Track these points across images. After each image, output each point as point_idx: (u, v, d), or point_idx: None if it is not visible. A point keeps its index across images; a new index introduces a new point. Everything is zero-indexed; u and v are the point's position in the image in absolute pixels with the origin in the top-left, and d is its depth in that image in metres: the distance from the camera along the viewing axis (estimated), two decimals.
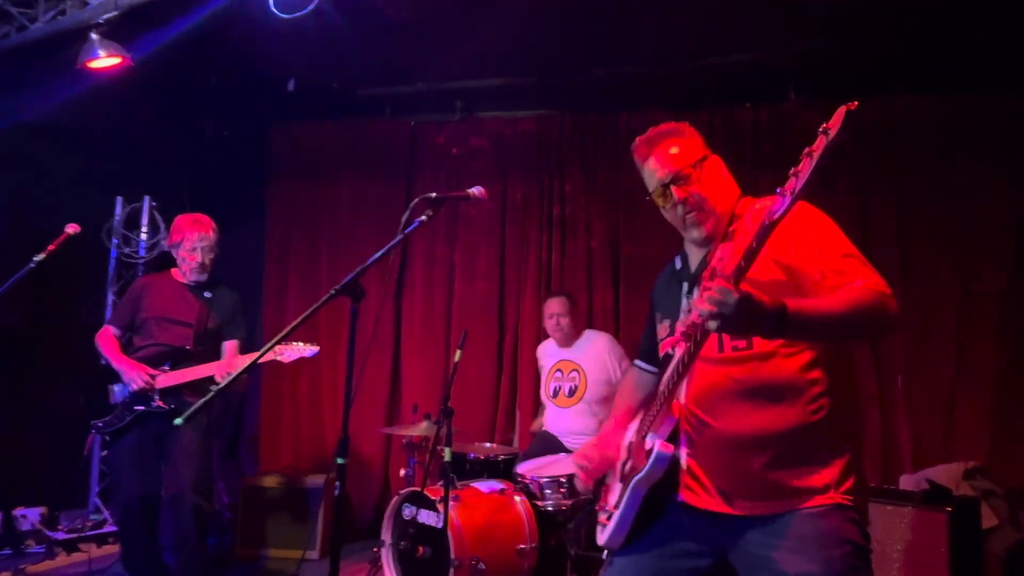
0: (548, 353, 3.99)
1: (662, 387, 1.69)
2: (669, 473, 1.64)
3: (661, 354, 1.82)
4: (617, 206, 4.45)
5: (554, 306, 3.89)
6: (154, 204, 4.87)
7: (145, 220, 4.87)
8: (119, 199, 4.83)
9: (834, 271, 1.54)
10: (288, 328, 1.75)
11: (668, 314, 1.80)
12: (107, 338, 3.38)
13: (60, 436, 4.50)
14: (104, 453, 4.70)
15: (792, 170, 1.35)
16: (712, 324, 1.39)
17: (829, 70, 3.83)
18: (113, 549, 4.07)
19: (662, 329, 1.82)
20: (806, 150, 1.33)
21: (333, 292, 1.82)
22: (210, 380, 3.17)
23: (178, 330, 3.29)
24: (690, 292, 1.73)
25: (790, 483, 1.56)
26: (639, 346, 2.00)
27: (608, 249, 4.46)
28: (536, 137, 4.61)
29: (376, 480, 4.61)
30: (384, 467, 4.66)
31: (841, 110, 1.29)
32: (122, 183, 4.79)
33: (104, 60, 3.47)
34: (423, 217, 1.99)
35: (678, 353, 1.62)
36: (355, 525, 4.50)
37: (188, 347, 3.25)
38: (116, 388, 3.26)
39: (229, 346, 3.40)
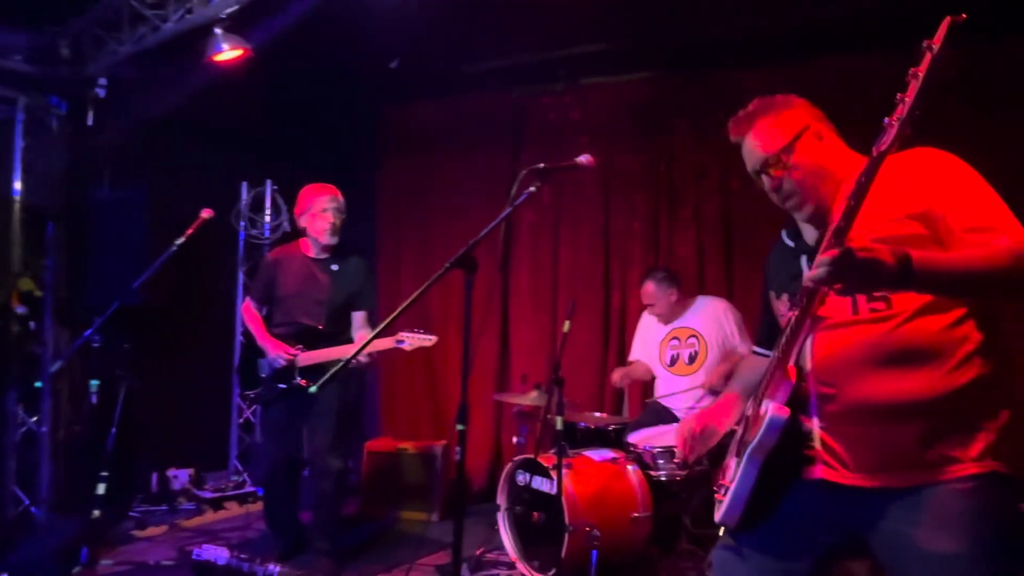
0: (654, 325, 3.90)
1: (776, 351, 1.59)
2: (796, 446, 1.53)
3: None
4: (730, 170, 4.27)
5: (646, 291, 3.79)
6: (275, 188, 5.08)
7: (268, 203, 5.10)
8: (244, 184, 5.06)
9: (974, 223, 1.40)
10: (408, 301, 1.80)
11: (787, 289, 1.69)
12: (251, 314, 3.49)
13: (204, 403, 4.81)
14: (240, 421, 5.09)
15: (898, 96, 1.25)
16: (828, 280, 1.28)
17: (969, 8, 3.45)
18: (253, 507, 4.36)
19: (781, 306, 1.72)
20: (911, 71, 1.22)
21: (447, 266, 1.86)
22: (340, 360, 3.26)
23: (311, 308, 3.35)
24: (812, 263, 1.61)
25: (937, 452, 1.43)
26: (758, 328, 1.90)
27: (720, 216, 4.30)
28: (643, 101, 4.50)
29: (488, 446, 4.72)
30: (495, 434, 4.77)
31: (945, 22, 1.20)
32: (246, 169, 5.00)
33: (228, 53, 3.65)
34: (531, 189, 1.98)
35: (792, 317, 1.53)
36: (469, 489, 4.64)
37: (320, 327, 3.32)
38: (263, 363, 3.40)
39: (358, 317, 3.43)
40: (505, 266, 4.83)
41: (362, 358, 3.10)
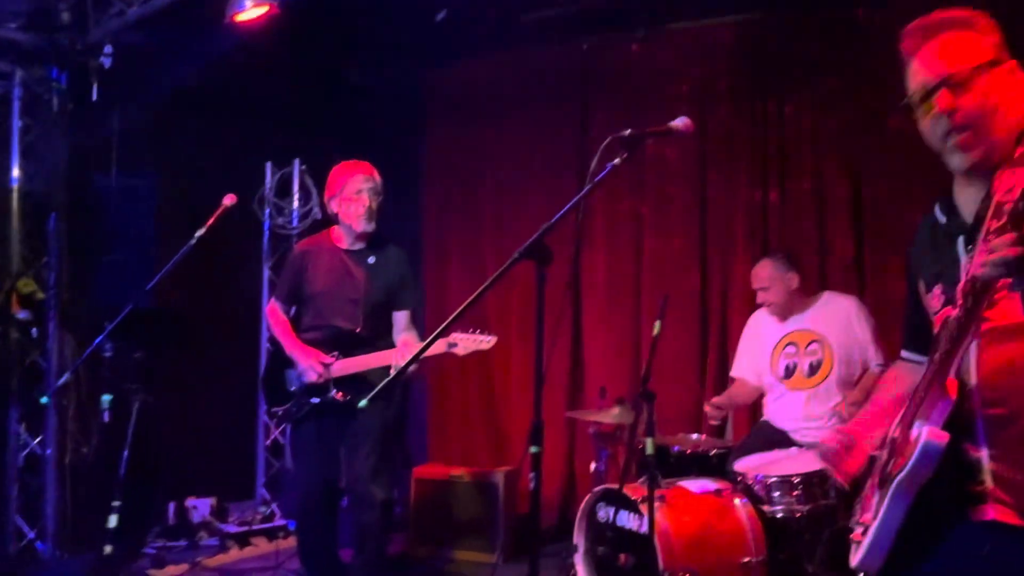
0: (766, 326, 3.84)
1: (931, 362, 1.54)
2: (958, 479, 1.50)
3: (937, 330, 1.65)
4: (855, 131, 4.17)
5: (759, 273, 3.73)
6: (304, 168, 5.22)
7: (296, 186, 5.22)
8: (268, 165, 5.20)
9: None
10: (474, 295, 1.81)
11: (941, 278, 1.65)
12: (277, 316, 3.59)
13: (226, 422, 4.94)
14: (267, 443, 5.23)
15: None
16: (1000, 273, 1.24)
17: None
18: (284, 543, 4.43)
19: (934, 299, 1.67)
20: None
21: (517, 255, 1.85)
22: (382, 369, 3.32)
23: (346, 308, 3.43)
24: (971, 246, 1.55)
25: None
26: (904, 327, 1.84)
27: (845, 187, 4.22)
28: (743, 49, 4.43)
29: (560, 474, 4.74)
30: (567, 459, 4.80)
31: None
32: (271, 149, 5.13)
33: (250, 11, 3.77)
34: (616, 161, 1.97)
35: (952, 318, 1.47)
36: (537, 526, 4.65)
37: (357, 330, 3.40)
38: (292, 375, 3.47)
39: (401, 318, 3.51)
40: (576, 258, 4.81)
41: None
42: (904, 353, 1.84)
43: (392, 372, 3.22)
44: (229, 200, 3.32)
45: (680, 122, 2.06)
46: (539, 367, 1.88)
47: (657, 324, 3.26)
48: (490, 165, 5.11)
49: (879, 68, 3.69)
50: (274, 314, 3.60)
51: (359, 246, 3.51)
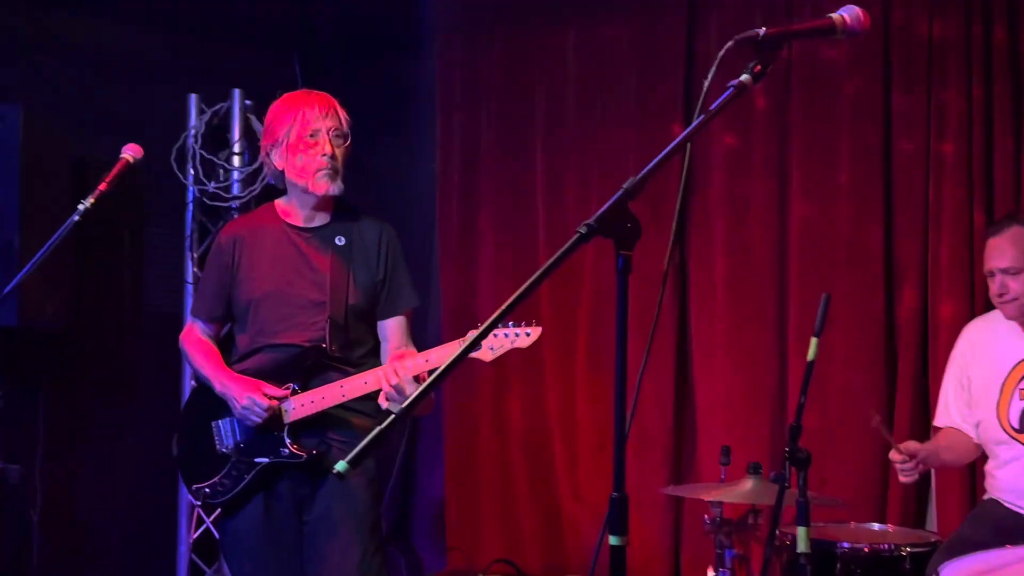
0: (997, 344, 3.88)
1: None
2: None
3: None
4: None
5: (1002, 248, 3.71)
6: (248, 103, 5.25)
7: (237, 131, 5.28)
8: (192, 98, 5.23)
9: None
10: (527, 284, 1.81)
11: None
12: (197, 342, 3.70)
13: (131, 505, 5.01)
14: (196, 535, 5.23)
15: None
16: None
17: None
18: None
19: None
20: None
21: (584, 229, 1.86)
22: (369, 401, 3.40)
23: (304, 317, 3.52)
24: None
25: None
26: None
27: None
28: None
29: None
30: (670, 559, 4.89)
31: None
32: (198, 73, 5.20)
33: None
34: (744, 78, 1.99)
35: None
36: None
37: (323, 345, 3.48)
38: (224, 427, 3.57)
39: (392, 328, 3.62)
40: (679, 238, 4.94)
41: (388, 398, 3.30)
42: None
43: (388, 405, 3.31)
44: (131, 152, 3.35)
45: (848, 13, 2.09)
46: (620, 413, 1.88)
47: (813, 344, 3.25)
48: (541, 102, 5.28)
49: None
50: (190, 338, 3.70)
51: (320, 221, 3.60)
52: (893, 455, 3.79)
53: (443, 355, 3.34)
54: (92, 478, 4.84)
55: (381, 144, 5.05)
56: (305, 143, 3.49)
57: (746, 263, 4.91)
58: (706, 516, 3.90)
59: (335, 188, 3.51)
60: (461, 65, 5.58)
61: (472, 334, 3.28)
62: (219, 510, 3.62)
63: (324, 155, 3.48)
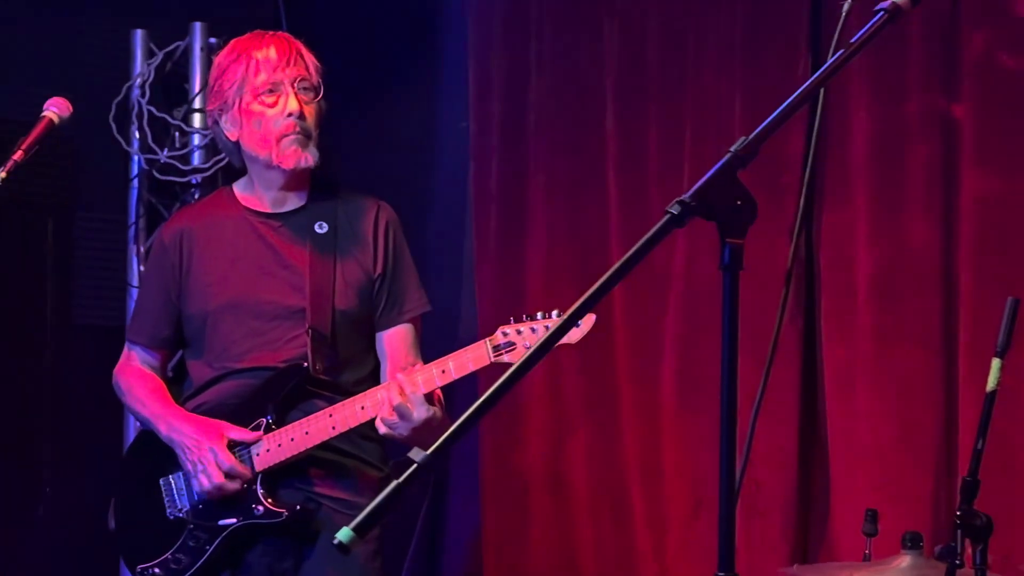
0: None
1: None
2: None
3: None
4: None
5: None
6: (213, 41, 5.32)
7: (197, 81, 5.36)
8: (138, 35, 5.36)
9: None
10: (576, 305, 1.83)
11: None
12: (136, 375, 3.87)
13: None
14: None
15: None
16: None
17: None
18: None
19: None
20: None
21: (675, 209, 1.87)
22: (372, 442, 3.57)
23: (278, 329, 3.70)
24: None
25: None
26: None
27: None
28: None
29: None
30: None
31: None
32: (143, 4, 5.35)
33: None
34: (884, 3, 2.09)
35: None
36: None
37: (305, 365, 3.61)
38: (174, 484, 3.72)
39: (395, 340, 3.78)
40: (807, 220, 4.95)
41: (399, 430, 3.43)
42: None
43: (385, 431, 3.50)
44: (56, 108, 3.43)
45: None
46: (728, 465, 1.92)
47: (995, 367, 3.28)
48: (611, 24, 5.38)
49: None
50: (129, 371, 3.91)
51: (293, 203, 3.79)
52: None
53: (465, 362, 3.47)
54: (17, 554, 4.91)
55: (392, 99, 5.04)
56: (262, 102, 3.62)
57: (899, 258, 4.85)
58: None
59: (308, 158, 3.64)
60: (501, 22, 5.71)
61: (504, 331, 3.37)
62: None
63: (290, 115, 3.60)
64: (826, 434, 4.98)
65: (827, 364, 5.00)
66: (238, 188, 3.78)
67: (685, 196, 1.91)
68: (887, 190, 4.93)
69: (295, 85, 3.62)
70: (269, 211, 3.72)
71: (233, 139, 3.68)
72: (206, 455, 3.50)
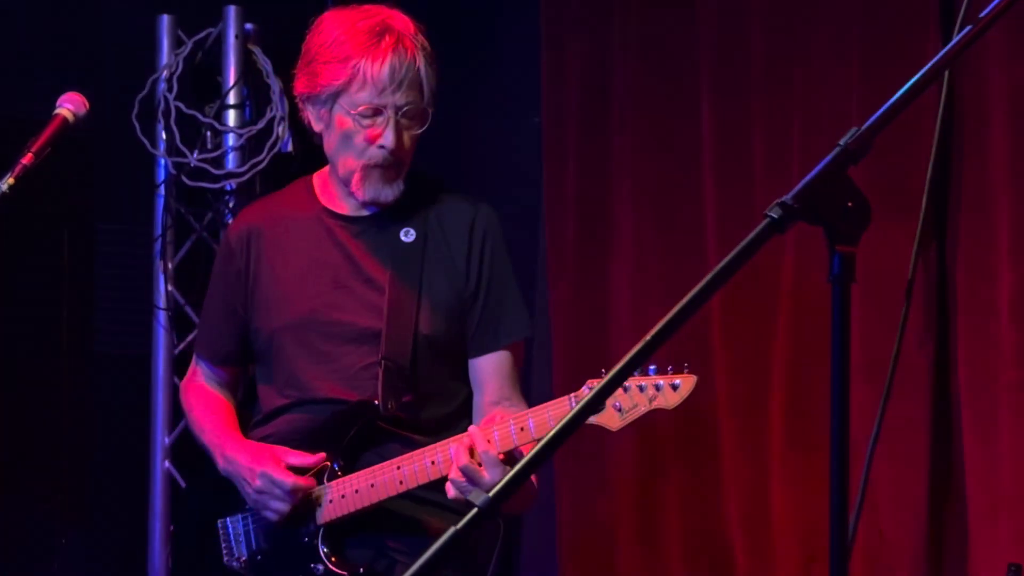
0: None
1: None
2: None
3: None
4: None
5: None
6: (249, 28, 5.46)
7: (232, 72, 5.49)
8: (164, 20, 5.47)
9: None
10: (663, 322, 1.80)
11: None
12: (200, 393, 3.92)
13: None
14: None
15: None
16: None
17: None
18: None
19: None
20: None
21: (776, 212, 1.85)
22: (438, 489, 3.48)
23: (353, 354, 3.71)
24: None
25: None
26: None
27: None
28: None
29: None
30: None
31: None
32: None
33: None
34: None
35: None
36: None
37: (377, 402, 3.62)
38: (231, 528, 3.79)
39: (489, 370, 3.75)
40: (939, 222, 4.98)
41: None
42: None
43: (456, 495, 3.44)
44: (70, 106, 3.41)
45: None
46: (840, 513, 1.89)
47: None
48: (707, 6, 5.47)
49: None
50: (193, 389, 3.95)
51: (374, 209, 3.75)
52: None
53: (546, 420, 3.45)
54: None
55: (454, 91, 5.04)
56: (357, 121, 3.62)
57: None
58: None
59: (388, 195, 3.66)
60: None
61: (591, 386, 3.35)
62: None
63: (383, 147, 3.59)
64: (963, 478, 4.95)
65: (964, 397, 4.94)
66: (318, 181, 3.82)
67: (786, 197, 1.87)
68: None
69: (400, 112, 3.63)
70: (350, 214, 3.76)
71: (317, 131, 3.71)
72: (266, 485, 3.56)
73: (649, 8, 5.67)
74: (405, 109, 3.61)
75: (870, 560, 5.00)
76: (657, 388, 3.36)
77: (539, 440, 3.21)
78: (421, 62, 3.65)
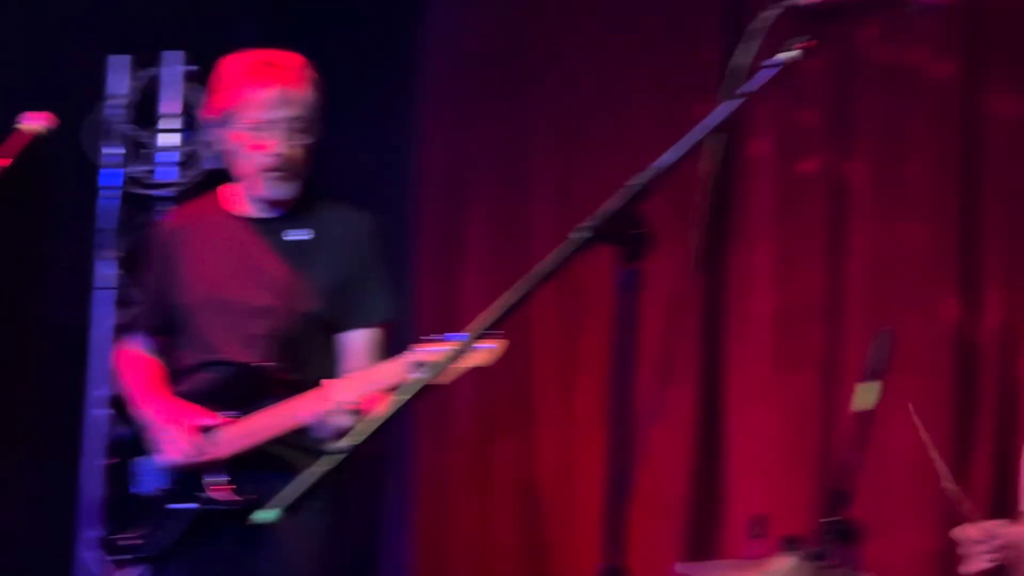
0: None
1: None
2: None
3: None
4: None
5: None
6: (192, 68, 5.36)
7: (171, 103, 5.40)
8: (114, 60, 5.37)
9: None
10: (502, 304, 1.83)
11: None
12: (129, 358, 3.89)
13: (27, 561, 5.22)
14: None
15: None
16: None
17: None
18: None
19: None
20: None
21: (581, 234, 1.88)
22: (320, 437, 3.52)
23: (246, 327, 3.70)
24: None
25: None
26: None
27: None
28: None
29: None
30: None
31: None
32: (123, 34, 5.36)
33: None
34: (790, 54, 2.04)
35: None
36: None
37: (265, 363, 3.63)
38: (147, 467, 3.69)
39: (356, 342, 3.77)
40: (713, 257, 5.01)
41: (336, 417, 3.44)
42: None
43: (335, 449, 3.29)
44: (33, 123, 3.43)
45: None
46: (619, 468, 1.92)
47: (866, 389, 3.44)
48: (548, 89, 5.50)
49: None
50: (129, 359, 3.89)
51: (274, 212, 3.77)
52: (961, 532, 3.77)
53: (384, 375, 3.50)
54: None
55: (357, 134, 5.11)
56: (250, 137, 3.65)
57: (795, 290, 5.06)
58: None
59: (284, 191, 3.68)
60: (454, 34, 5.76)
61: (417, 349, 3.45)
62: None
63: (274, 154, 3.63)
64: (721, 444, 5.14)
65: (730, 382, 5.16)
66: (227, 191, 3.83)
67: (588, 223, 1.89)
68: (785, 233, 5.09)
69: (288, 124, 3.64)
70: (253, 216, 3.76)
71: (227, 145, 3.71)
72: (171, 433, 3.54)
73: (503, 59, 5.70)
74: (292, 122, 3.62)
75: (650, 511, 4.89)
76: (471, 349, 3.28)
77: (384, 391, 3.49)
78: (303, 83, 3.70)
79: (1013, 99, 4.86)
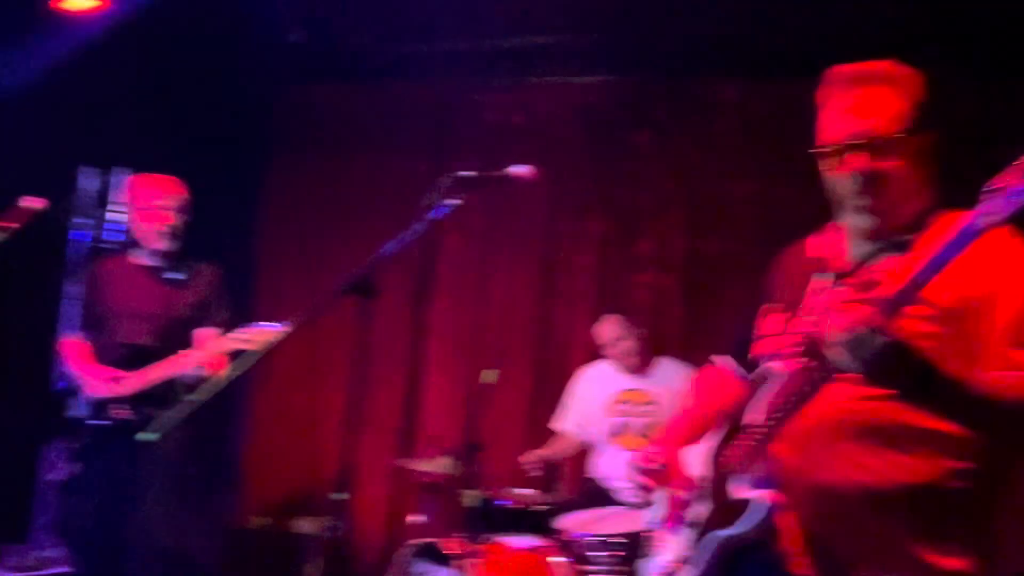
0: (603, 378, 5.37)
1: (762, 416, 2.20)
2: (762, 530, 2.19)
3: (753, 354, 2.37)
4: (701, 202, 6.21)
5: (613, 328, 5.30)
6: (129, 176, 5.42)
7: (111, 195, 6.23)
8: (88, 170, 6.24)
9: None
10: (288, 327, 2.51)
11: (791, 306, 2.27)
12: (77, 347, 4.56)
13: None
14: (48, 477, 5.77)
15: (1014, 165, 1.79)
16: (838, 360, 1.96)
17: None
18: None
19: (772, 323, 2.34)
20: None
21: (339, 290, 2.49)
22: (184, 386, 4.36)
23: (138, 325, 4.51)
24: (838, 286, 2.18)
25: (920, 557, 2.13)
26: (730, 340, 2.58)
27: (685, 256, 6.24)
28: (596, 108, 6.58)
29: (381, 525, 6.60)
30: (392, 510, 6.60)
31: None
32: (91, 152, 6.22)
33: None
34: (454, 201, 2.65)
35: (789, 373, 2.16)
36: None
37: (148, 343, 4.43)
38: (79, 400, 4.44)
39: (203, 334, 4.52)
40: (419, 300, 6.33)
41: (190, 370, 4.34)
42: (722, 359, 2.63)
43: (190, 396, 4.12)
44: (31, 203, 4.09)
45: (521, 169, 2.83)
46: (352, 410, 2.56)
47: (490, 374, 4.50)
48: (339, 199, 6.97)
49: (728, 135, 6.07)
50: (73, 349, 4.62)
51: (159, 263, 4.68)
52: (521, 460, 5.11)
53: (219, 347, 4.30)
54: None
55: (222, 213, 6.02)
56: (155, 212, 4.48)
57: (462, 320, 6.65)
58: (417, 481, 5.24)
59: (169, 246, 4.54)
60: (284, 178, 7.18)
61: (237, 333, 4.20)
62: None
63: (168, 224, 4.50)
64: (421, 401, 6.63)
65: (429, 370, 6.71)
66: (130, 254, 4.62)
67: (343, 284, 2.47)
68: (461, 287, 6.66)
69: (174, 209, 4.50)
70: (148, 264, 4.57)
71: (135, 223, 4.53)
72: (95, 380, 4.28)
73: (297, 171, 7.19)
74: (175, 206, 4.56)
75: (376, 428, 6.42)
76: (263, 331, 4.04)
77: (221, 357, 4.33)
78: (181, 189, 4.55)
79: None
